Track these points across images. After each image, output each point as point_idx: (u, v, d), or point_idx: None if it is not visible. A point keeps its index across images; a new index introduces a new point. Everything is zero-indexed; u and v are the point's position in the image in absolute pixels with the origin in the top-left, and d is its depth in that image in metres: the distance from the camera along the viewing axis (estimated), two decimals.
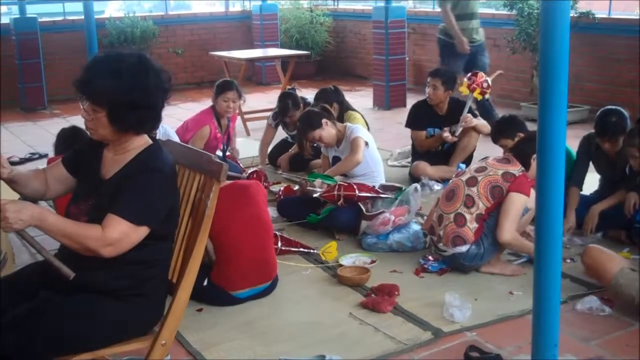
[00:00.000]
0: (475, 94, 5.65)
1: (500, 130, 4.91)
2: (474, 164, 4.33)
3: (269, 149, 6.42)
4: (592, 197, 4.65)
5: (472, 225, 3.89)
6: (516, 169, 3.96)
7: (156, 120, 2.50)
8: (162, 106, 2.50)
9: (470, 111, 5.65)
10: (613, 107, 4.51)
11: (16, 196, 2.84)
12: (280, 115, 6.16)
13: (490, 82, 5.72)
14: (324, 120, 5.01)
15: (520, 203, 3.84)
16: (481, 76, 5.66)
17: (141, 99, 2.39)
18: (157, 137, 4.82)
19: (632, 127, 4.34)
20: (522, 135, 4.63)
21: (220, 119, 5.92)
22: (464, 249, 3.89)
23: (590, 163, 4.68)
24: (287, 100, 6.09)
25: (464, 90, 5.68)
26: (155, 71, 2.44)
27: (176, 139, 5.20)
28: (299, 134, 5.26)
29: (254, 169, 5.78)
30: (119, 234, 2.31)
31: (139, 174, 2.41)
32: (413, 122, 5.96)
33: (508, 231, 3.81)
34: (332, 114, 5.32)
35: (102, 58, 2.46)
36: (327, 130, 5.02)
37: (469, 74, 5.73)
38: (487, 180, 3.94)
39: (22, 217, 2.22)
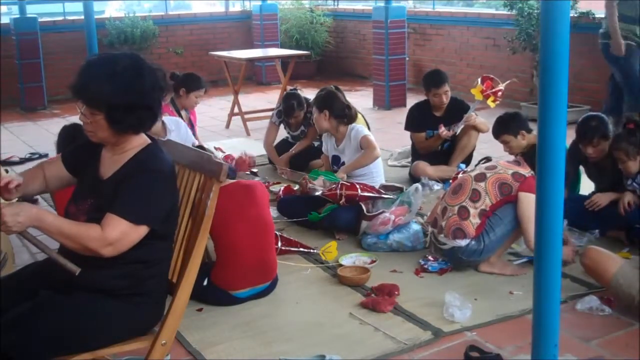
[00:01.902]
0: (489, 102, 5.55)
1: (503, 127, 4.90)
2: (484, 163, 4.32)
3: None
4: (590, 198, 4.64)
5: (474, 221, 3.90)
6: (526, 171, 3.97)
7: (154, 118, 2.50)
8: (159, 104, 2.50)
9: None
10: (594, 113, 4.57)
11: None
12: (285, 116, 6.15)
13: (504, 89, 5.63)
14: (325, 111, 5.00)
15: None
16: (497, 83, 5.57)
17: (138, 100, 2.39)
18: (168, 126, 4.88)
19: (619, 132, 4.33)
20: (524, 132, 4.63)
21: (180, 112, 5.91)
22: (463, 243, 3.89)
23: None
24: (292, 101, 6.06)
25: (477, 94, 5.57)
26: (150, 70, 2.44)
27: (186, 129, 5.17)
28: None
29: (239, 154, 5.62)
30: (119, 234, 2.31)
31: (138, 174, 2.41)
32: (412, 124, 5.96)
33: None
34: (349, 113, 5.06)
35: (95, 61, 2.45)
36: (321, 118, 5.02)
37: (482, 78, 5.60)
38: (496, 177, 3.96)
39: (20, 220, 2.22)
